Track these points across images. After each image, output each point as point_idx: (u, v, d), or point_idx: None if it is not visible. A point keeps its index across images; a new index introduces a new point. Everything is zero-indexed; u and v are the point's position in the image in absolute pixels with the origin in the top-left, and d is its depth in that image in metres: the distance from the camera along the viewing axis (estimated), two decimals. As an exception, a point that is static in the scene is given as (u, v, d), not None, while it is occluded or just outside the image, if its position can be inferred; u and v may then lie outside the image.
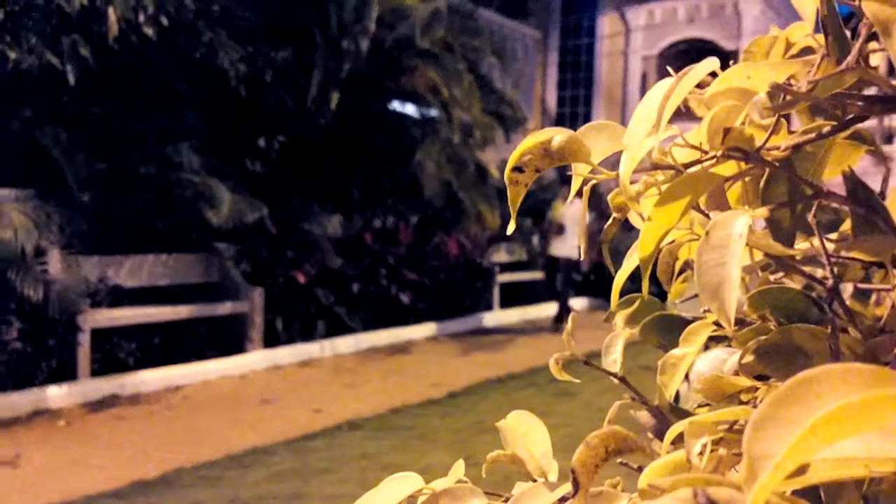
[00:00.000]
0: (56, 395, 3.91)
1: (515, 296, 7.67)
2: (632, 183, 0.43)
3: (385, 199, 6.59)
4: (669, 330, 0.56)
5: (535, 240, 8.11)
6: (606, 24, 14.61)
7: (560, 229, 6.65)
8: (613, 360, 0.56)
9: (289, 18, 5.51)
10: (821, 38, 0.46)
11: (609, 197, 0.48)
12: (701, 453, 0.36)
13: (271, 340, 5.20)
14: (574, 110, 14.75)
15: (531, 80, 13.07)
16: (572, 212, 6.46)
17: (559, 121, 14.38)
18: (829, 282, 0.43)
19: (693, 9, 13.62)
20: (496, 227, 7.00)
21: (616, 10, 14.36)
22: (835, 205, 0.54)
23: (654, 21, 14.09)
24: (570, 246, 6.59)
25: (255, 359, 4.96)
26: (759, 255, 0.49)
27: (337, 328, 5.58)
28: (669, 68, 0.45)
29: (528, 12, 13.28)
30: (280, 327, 5.27)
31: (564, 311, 6.66)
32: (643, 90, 14.21)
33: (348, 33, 5.58)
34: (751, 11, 12.99)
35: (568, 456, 0.42)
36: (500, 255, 7.69)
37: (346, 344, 5.51)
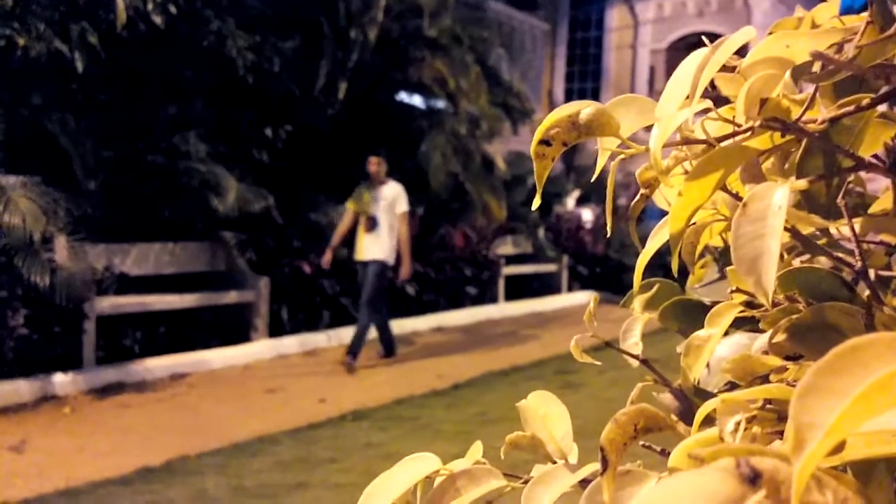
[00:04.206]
0: (62, 382, 3.92)
1: (520, 288, 7.66)
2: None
3: (391, 191, 6.57)
4: (689, 315, 0.55)
5: (541, 232, 8.08)
6: (615, 17, 14.56)
7: (371, 223, 4.67)
8: (634, 344, 0.55)
9: (297, 8, 5.50)
10: (847, 19, 0.45)
11: (638, 172, 0.47)
12: (734, 431, 0.35)
13: (277, 330, 5.21)
14: (582, 103, 14.69)
15: (539, 73, 13.02)
16: (387, 199, 4.68)
17: (566, 114, 14.50)
18: (858, 263, 0.42)
19: (702, 2, 13.57)
20: (502, 219, 6.98)
21: (625, 3, 14.30)
22: (859, 189, 0.53)
23: (664, 14, 14.03)
24: (384, 246, 4.66)
25: (261, 348, 4.97)
26: (784, 238, 0.48)
27: (342, 318, 5.59)
28: (706, 39, 0.44)
29: (537, 4, 13.22)
30: (285, 317, 5.28)
31: (360, 337, 4.62)
32: (651, 83, 14.22)
33: (356, 23, 5.56)
34: (760, 5, 12.94)
35: (577, 445, 0.41)
36: (506, 248, 7.68)
37: (350, 334, 5.51)
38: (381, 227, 4.67)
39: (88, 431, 3.39)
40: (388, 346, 4.89)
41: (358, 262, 4.80)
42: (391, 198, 4.72)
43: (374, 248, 4.68)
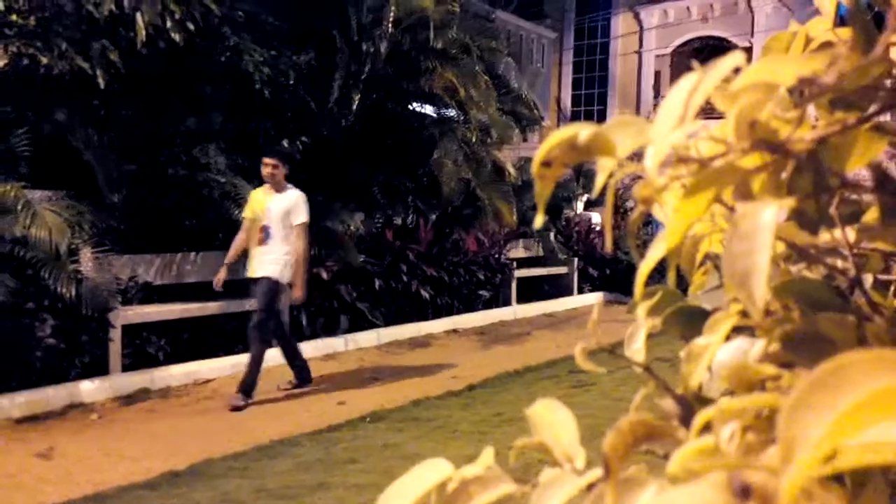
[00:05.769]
0: (89, 389, 4.01)
1: (532, 291, 7.66)
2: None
3: (405, 198, 6.63)
4: (692, 321, 0.57)
5: (552, 235, 8.09)
6: (620, 23, 14.55)
7: (264, 235, 4.02)
8: (637, 350, 0.57)
9: (311, 22, 5.58)
10: (841, 32, 0.47)
11: (634, 190, 0.50)
12: (730, 439, 0.37)
13: (296, 335, 5.28)
14: (589, 109, 14.72)
15: (547, 80, 13.06)
16: (283, 208, 4.03)
17: (574, 119, 14.58)
18: (852, 272, 0.44)
19: (706, 7, 13.50)
20: (513, 224, 7.00)
21: (630, 10, 14.29)
22: (855, 196, 0.54)
23: (668, 20, 13.99)
24: (277, 262, 4.01)
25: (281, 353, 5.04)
26: (779, 247, 0.50)
27: (359, 323, 5.65)
28: (695, 61, 0.47)
29: (544, 14, 13.30)
30: (304, 322, 5.34)
31: (252, 371, 4.00)
32: (657, 88, 14.18)
33: (368, 36, 5.63)
34: (763, 9, 12.82)
35: (588, 445, 0.44)
36: (518, 251, 7.71)
37: (368, 338, 5.57)
38: (275, 239, 4.01)
39: (115, 437, 3.46)
40: (302, 372, 4.24)
41: (250, 279, 4.09)
42: (287, 207, 4.03)
43: (266, 263, 4.01)
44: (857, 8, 0.44)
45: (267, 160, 4.07)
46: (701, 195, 0.42)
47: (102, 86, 4.37)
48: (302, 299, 4.21)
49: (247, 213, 4.20)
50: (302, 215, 4.09)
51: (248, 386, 4.00)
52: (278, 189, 4.09)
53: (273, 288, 4.00)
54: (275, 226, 4.04)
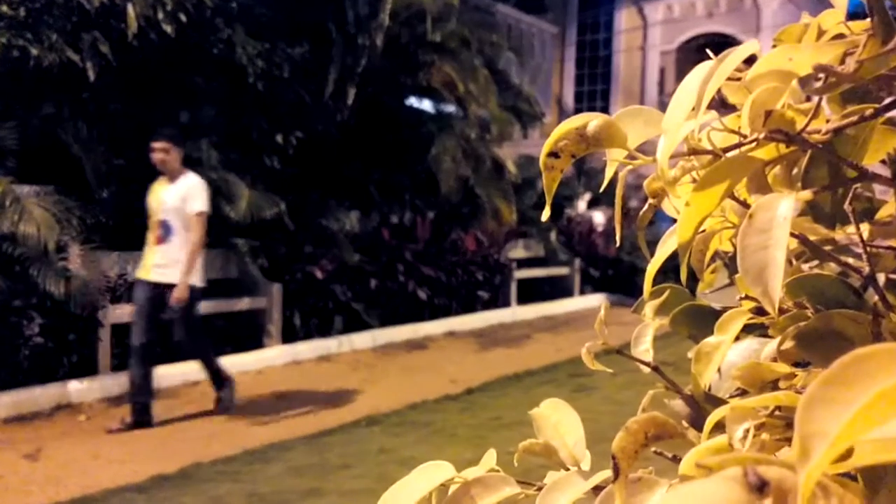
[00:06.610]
0: (77, 389, 3.97)
1: (532, 292, 7.64)
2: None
3: (402, 195, 6.60)
4: (700, 320, 0.55)
5: (553, 235, 8.08)
6: (624, 19, 14.57)
7: (163, 232, 3.51)
8: (644, 350, 0.56)
9: (305, 14, 5.54)
10: (854, 25, 0.45)
11: (645, 182, 0.48)
12: (743, 438, 0.36)
13: (289, 336, 5.24)
14: (591, 105, 14.72)
15: (548, 76, 13.06)
16: (179, 197, 3.50)
17: (576, 116, 14.63)
18: (866, 269, 0.43)
19: (711, 3, 13.55)
20: (513, 223, 6.98)
21: (634, 4, 14.32)
22: (867, 193, 0.53)
23: (673, 15, 14.03)
24: (181, 263, 3.47)
25: (274, 354, 5.00)
26: (792, 244, 0.49)
27: (354, 324, 5.61)
28: (709, 51, 0.45)
29: (546, 8, 13.29)
30: (298, 323, 5.31)
31: (214, 372, 3.77)
32: (661, 85, 14.22)
33: (364, 29, 5.60)
34: (770, 5, 12.89)
35: (592, 449, 0.42)
36: (518, 251, 7.68)
37: (363, 339, 5.54)
38: (176, 236, 3.45)
39: (103, 439, 3.42)
40: (141, 412, 3.56)
41: (141, 280, 3.53)
42: (184, 195, 3.48)
43: (169, 267, 3.43)
44: (875, -4, 0.42)
45: (155, 145, 3.53)
46: (714, 188, 0.41)
47: (92, 78, 4.33)
48: (182, 300, 3.46)
49: (151, 206, 3.59)
50: (199, 203, 3.49)
51: (219, 381, 3.79)
52: (173, 177, 3.54)
53: (189, 297, 3.49)
54: (173, 220, 3.47)
